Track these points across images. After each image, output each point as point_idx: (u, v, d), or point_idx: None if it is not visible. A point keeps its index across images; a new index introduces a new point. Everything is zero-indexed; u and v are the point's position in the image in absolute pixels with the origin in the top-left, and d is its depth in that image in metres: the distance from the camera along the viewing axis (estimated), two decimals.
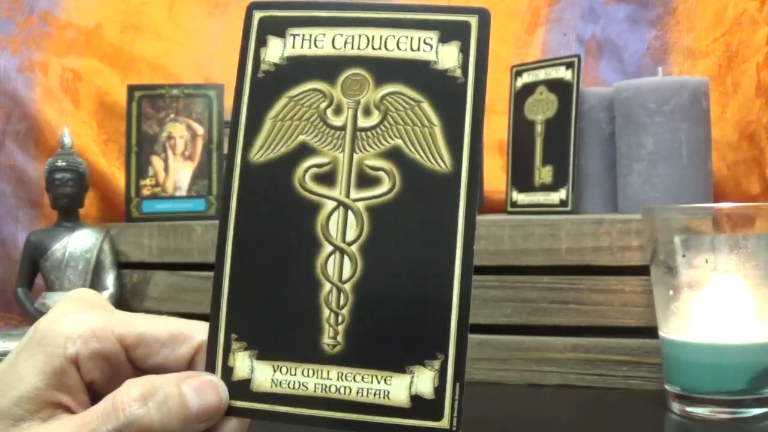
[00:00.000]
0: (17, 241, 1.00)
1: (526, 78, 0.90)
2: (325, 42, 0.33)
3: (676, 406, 0.65)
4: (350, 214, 0.32)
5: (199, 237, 0.88)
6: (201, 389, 0.32)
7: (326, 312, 0.32)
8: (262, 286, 0.33)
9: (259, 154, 0.33)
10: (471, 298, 0.31)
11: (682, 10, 0.96)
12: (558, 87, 0.87)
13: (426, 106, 0.33)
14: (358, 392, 0.32)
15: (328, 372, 0.32)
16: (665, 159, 0.80)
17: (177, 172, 0.99)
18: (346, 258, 0.32)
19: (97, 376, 0.34)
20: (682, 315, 0.64)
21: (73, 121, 1.05)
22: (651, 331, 0.68)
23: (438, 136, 0.32)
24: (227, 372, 0.33)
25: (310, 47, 0.34)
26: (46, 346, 0.33)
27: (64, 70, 1.08)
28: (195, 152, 0.99)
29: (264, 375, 0.33)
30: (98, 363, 0.34)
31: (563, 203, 0.84)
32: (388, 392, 0.32)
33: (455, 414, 0.31)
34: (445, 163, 0.32)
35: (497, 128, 0.96)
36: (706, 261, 0.63)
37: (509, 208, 0.90)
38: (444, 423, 0.31)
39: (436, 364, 0.31)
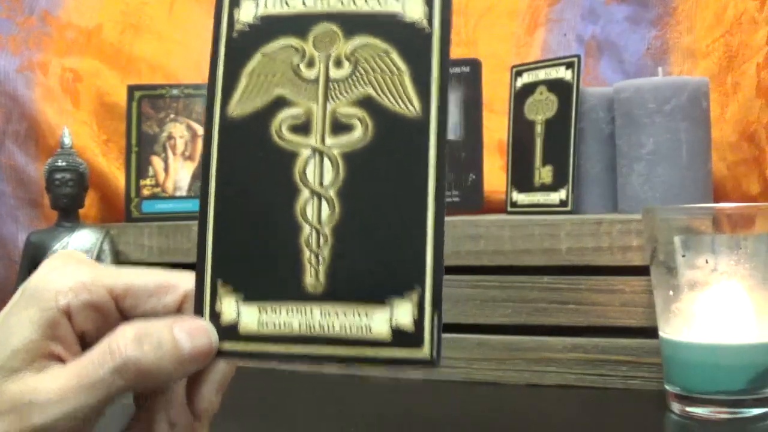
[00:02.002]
0: (17, 241, 1.00)
1: (526, 78, 0.90)
2: (295, 1, 0.35)
3: (676, 406, 0.65)
4: (326, 160, 0.34)
5: None
6: (192, 332, 0.33)
7: (307, 253, 0.34)
8: (245, 232, 0.34)
9: (237, 108, 0.35)
10: (444, 233, 0.33)
11: (682, 10, 0.96)
12: (558, 87, 0.87)
13: (394, 55, 0.34)
14: (341, 328, 0.33)
15: (311, 310, 0.34)
16: (665, 159, 0.80)
17: (177, 172, 0.99)
18: (323, 202, 0.34)
19: (88, 327, 0.35)
20: (682, 315, 0.64)
21: (73, 121, 1.05)
22: (651, 331, 0.68)
23: (406, 82, 0.34)
24: (215, 317, 0.34)
25: (281, 6, 0.35)
26: (39, 300, 0.34)
27: (64, 71, 1.07)
28: (195, 152, 0.99)
29: (250, 317, 0.34)
30: (89, 314, 0.35)
31: (563, 203, 0.84)
32: (370, 326, 0.33)
33: (435, 343, 0.33)
34: (414, 107, 0.33)
35: (497, 128, 0.96)
36: (706, 261, 0.63)
37: (509, 208, 0.90)
38: (425, 352, 0.33)
39: (414, 295, 0.33)
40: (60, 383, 0.33)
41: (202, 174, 0.35)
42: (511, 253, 0.76)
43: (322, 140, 0.34)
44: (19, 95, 1.04)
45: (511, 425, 0.68)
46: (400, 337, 0.33)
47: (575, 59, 0.86)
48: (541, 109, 0.88)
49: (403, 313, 0.33)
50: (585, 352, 0.74)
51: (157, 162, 0.99)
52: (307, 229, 0.34)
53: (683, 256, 0.64)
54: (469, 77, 0.91)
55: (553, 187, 0.86)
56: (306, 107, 0.34)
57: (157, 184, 0.98)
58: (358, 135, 0.34)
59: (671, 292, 0.64)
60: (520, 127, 0.90)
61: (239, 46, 0.35)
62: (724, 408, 0.62)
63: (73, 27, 1.09)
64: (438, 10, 0.34)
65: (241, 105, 0.35)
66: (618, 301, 0.73)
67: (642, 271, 0.70)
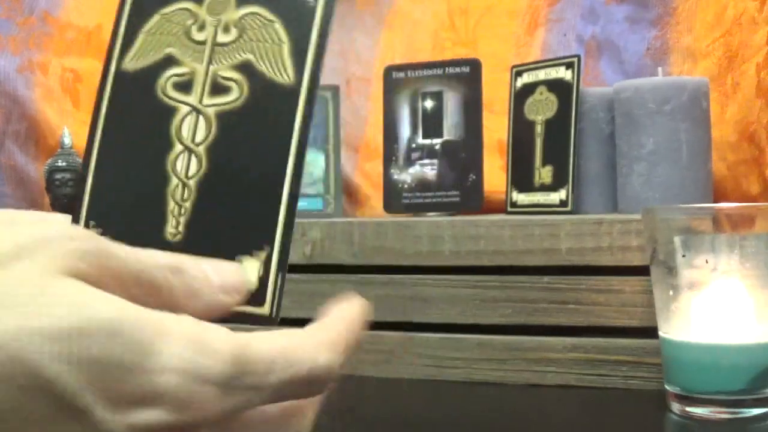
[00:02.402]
0: None
1: (526, 78, 0.90)
2: None
3: (676, 406, 0.65)
4: (201, 118, 0.36)
5: None
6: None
7: (171, 204, 0.35)
8: (120, 180, 0.36)
9: (131, 63, 0.37)
10: (298, 198, 0.35)
11: (682, 10, 0.96)
12: (558, 87, 0.87)
13: (278, 25, 0.36)
14: None
15: None
16: (665, 159, 0.80)
17: None
18: (193, 157, 0.35)
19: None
20: (682, 315, 0.64)
21: (73, 121, 1.05)
22: (651, 331, 0.68)
23: (285, 52, 0.36)
24: None
25: None
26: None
27: (64, 71, 1.08)
28: None
29: None
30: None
31: (563, 203, 0.84)
32: None
33: (275, 302, 0.34)
34: (288, 76, 0.35)
35: (497, 128, 0.96)
36: (706, 261, 0.63)
37: (509, 209, 0.90)
38: (265, 309, 0.34)
39: (262, 255, 0.34)
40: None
41: (91, 121, 0.37)
42: (511, 253, 0.76)
43: (200, 99, 0.36)
44: (19, 95, 1.04)
45: (511, 425, 0.68)
46: None
47: (575, 59, 0.86)
48: (541, 109, 0.88)
49: (250, 269, 0.34)
50: (585, 352, 0.74)
51: None
52: (174, 181, 0.35)
53: (683, 256, 0.64)
54: (469, 77, 0.91)
55: (553, 187, 0.86)
56: (191, 67, 0.36)
57: None
58: (233, 97, 0.36)
59: (671, 292, 0.64)
60: (520, 127, 0.90)
61: (141, 6, 0.37)
62: (724, 408, 0.62)
63: (73, 27, 1.09)
64: None
65: (135, 60, 0.37)
66: (618, 301, 0.73)
67: (642, 271, 0.70)
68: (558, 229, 0.75)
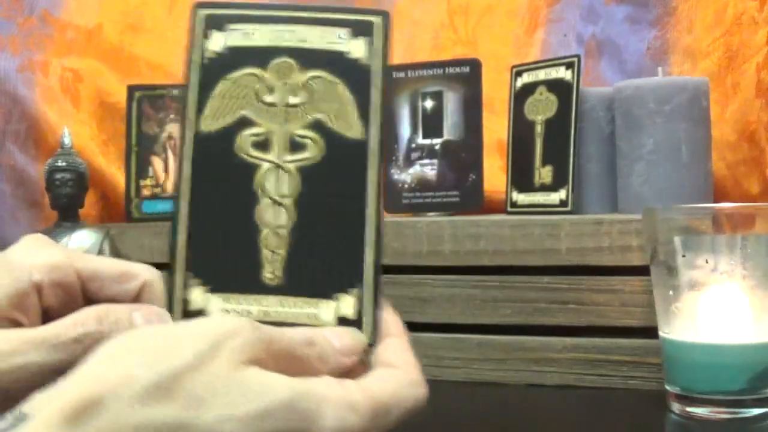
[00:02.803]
0: (17, 241, 1.00)
1: (526, 78, 0.90)
2: (257, 35, 0.41)
3: (676, 406, 0.65)
4: (282, 173, 0.40)
5: None
6: (147, 316, 0.39)
7: (265, 252, 0.39)
8: (213, 233, 0.40)
9: (208, 124, 0.40)
10: (383, 238, 0.39)
11: (682, 10, 0.96)
12: (558, 87, 0.87)
13: (341, 87, 0.40)
14: (294, 316, 0.39)
15: (268, 300, 0.39)
16: (665, 159, 0.80)
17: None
18: (281, 208, 0.39)
19: (53, 303, 0.40)
20: (682, 315, 0.64)
21: (73, 121, 1.05)
22: (651, 331, 0.68)
23: (352, 111, 0.40)
24: (184, 304, 0.39)
25: (246, 39, 0.41)
26: (13, 271, 0.39)
27: (64, 71, 1.08)
28: None
29: (216, 305, 0.39)
30: (57, 291, 0.40)
31: (563, 203, 0.84)
32: (318, 315, 0.39)
33: (372, 330, 0.39)
34: (357, 132, 0.40)
35: (497, 128, 0.96)
36: (706, 261, 0.63)
37: (509, 208, 0.90)
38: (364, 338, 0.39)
39: (356, 292, 0.39)
40: (23, 338, 0.37)
41: (175, 181, 0.40)
42: (511, 253, 0.76)
43: (281, 156, 0.40)
44: (19, 95, 1.04)
45: (511, 425, 0.68)
46: (344, 324, 0.39)
47: (575, 59, 0.86)
48: (541, 109, 0.88)
49: (346, 306, 0.39)
50: (585, 352, 0.74)
51: (157, 162, 0.99)
52: (265, 230, 0.39)
53: (683, 256, 0.64)
54: (469, 77, 0.91)
55: (553, 187, 0.86)
56: (267, 127, 0.40)
57: (157, 184, 0.98)
58: (311, 153, 0.40)
59: (671, 292, 0.64)
60: (520, 127, 0.90)
61: (209, 72, 0.41)
62: (724, 408, 0.62)
63: (73, 27, 1.09)
64: (378, 50, 0.40)
65: (211, 122, 0.40)
66: (618, 301, 0.73)
67: (642, 271, 0.70)
68: (558, 229, 0.75)
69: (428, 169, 0.91)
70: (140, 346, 0.32)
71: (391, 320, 0.39)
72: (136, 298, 0.41)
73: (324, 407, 0.33)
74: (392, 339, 0.38)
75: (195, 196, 0.40)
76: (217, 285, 0.39)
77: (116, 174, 1.06)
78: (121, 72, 1.10)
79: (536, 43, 1.03)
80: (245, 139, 0.40)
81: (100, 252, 0.91)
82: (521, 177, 0.89)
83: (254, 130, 0.40)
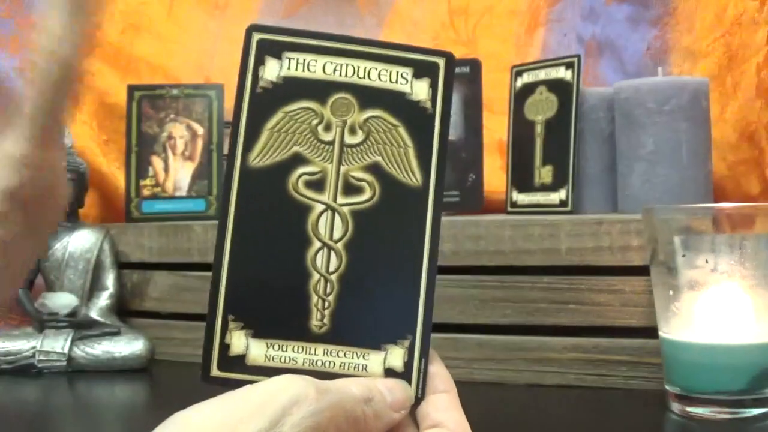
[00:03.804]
0: None
1: (526, 78, 0.90)
2: (317, 67, 0.39)
3: (676, 406, 0.65)
4: (337, 216, 0.38)
5: (199, 237, 0.88)
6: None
7: (315, 298, 0.38)
8: (258, 274, 0.38)
9: (257, 159, 0.38)
10: (435, 291, 0.38)
11: (682, 10, 0.96)
12: (558, 87, 0.87)
13: (402, 130, 0.39)
14: (340, 366, 0.38)
15: (315, 349, 0.38)
16: (665, 159, 0.80)
17: (177, 173, 0.99)
18: (332, 253, 0.38)
19: None
20: (682, 315, 0.64)
21: (73, 121, 1.05)
22: (651, 331, 0.68)
23: (411, 155, 0.38)
24: (224, 348, 0.38)
25: (303, 70, 0.39)
26: None
27: None
28: (195, 152, 0.99)
29: (258, 351, 0.38)
30: None
31: (563, 203, 0.84)
32: (366, 366, 0.37)
33: (420, 384, 0.38)
34: (416, 178, 0.38)
35: (497, 128, 0.96)
36: (706, 261, 0.63)
37: (509, 208, 0.90)
38: (411, 392, 0.38)
39: (406, 343, 0.38)
40: None
41: (219, 217, 0.38)
42: (511, 253, 0.76)
43: (335, 198, 0.38)
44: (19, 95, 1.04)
45: (511, 425, 0.68)
46: (391, 377, 0.38)
47: (575, 59, 0.86)
48: (541, 109, 0.88)
49: (395, 357, 0.38)
50: (585, 352, 0.74)
51: (157, 162, 0.99)
52: (316, 276, 0.38)
53: (683, 256, 0.64)
54: (469, 77, 0.91)
55: (553, 187, 0.86)
56: (322, 167, 0.38)
57: (157, 184, 0.98)
58: (366, 197, 0.38)
59: (671, 292, 0.64)
60: (520, 127, 0.90)
61: (262, 102, 0.38)
62: (724, 408, 0.62)
63: None
64: (440, 93, 0.39)
65: (261, 157, 0.38)
66: (618, 301, 0.73)
67: (642, 271, 0.70)
68: (558, 229, 0.75)
69: None
70: (204, 425, 0.32)
71: (440, 374, 0.38)
72: None
73: None
74: (441, 395, 0.38)
75: (239, 234, 0.38)
76: (261, 330, 0.38)
77: (116, 174, 1.06)
78: (121, 72, 1.10)
79: (536, 43, 1.03)
80: (298, 177, 0.38)
81: (100, 251, 0.91)
82: (521, 177, 0.89)
83: (308, 168, 0.38)
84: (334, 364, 0.38)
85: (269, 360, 0.37)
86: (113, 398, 0.80)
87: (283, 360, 0.37)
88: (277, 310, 0.38)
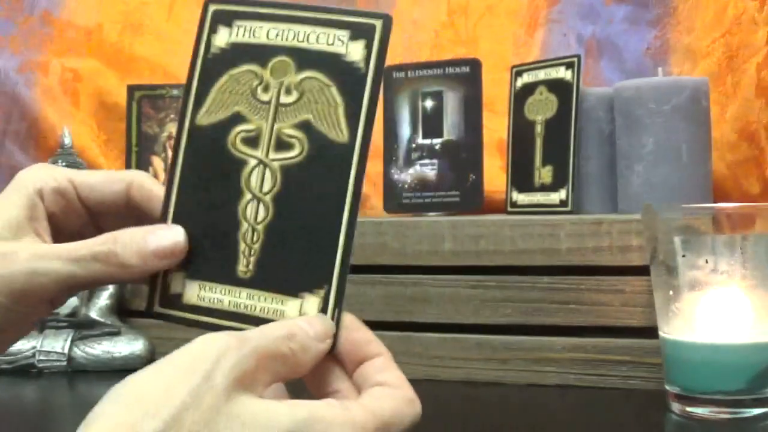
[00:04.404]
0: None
1: (526, 78, 0.90)
2: (261, 33, 0.42)
3: (676, 406, 0.65)
4: (267, 170, 0.40)
5: None
6: (160, 235, 0.41)
7: (242, 245, 0.40)
8: (197, 222, 0.41)
9: (204, 117, 0.42)
10: (353, 244, 0.39)
11: (682, 10, 0.96)
12: (558, 87, 0.87)
13: (333, 89, 0.40)
14: (261, 310, 0.40)
15: (240, 292, 0.40)
16: (665, 159, 0.80)
17: None
18: (261, 204, 0.40)
19: (55, 209, 0.43)
20: (682, 315, 0.64)
21: (73, 121, 1.05)
22: (651, 331, 0.68)
23: (340, 113, 0.40)
24: (165, 287, 0.41)
25: (249, 37, 0.42)
26: (20, 187, 0.43)
27: (64, 70, 1.08)
28: None
29: (192, 291, 0.41)
30: (56, 197, 0.43)
31: (563, 203, 0.84)
32: (284, 311, 0.40)
33: (335, 334, 0.39)
34: (343, 134, 0.40)
35: (497, 128, 0.96)
36: (706, 261, 0.63)
37: (509, 208, 0.90)
38: None
39: (321, 293, 0.39)
40: (46, 247, 0.41)
41: (168, 170, 0.42)
42: (511, 253, 0.76)
43: (267, 153, 0.41)
44: (19, 95, 1.04)
45: (511, 425, 0.68)
46: None
47: (575, 59, 0.86)
48: (541, 109, 0.88)
49: (310, 305, 0.39)
50: (585, 351, 0.74)
51: (157, 162, 0.99)
52: (245, 225, 0.40)
53: (683, 256, 0.64)
54: (469, 77, 0.91)
55: (553, 187, 0.86)
56: (258, 124, 0.41)
57: None
58: (295, 152, 0.40)
59: (671, 292, 0.64)
60: (520, 127, 0.90)
61: (213, 66, 0.42)
62: (724, 408, 0.62)
63: (73, 27, 1.09)
64: (374, 54, 0.40)
65: (207, 116, 0.42)
66: (618, 301, 0.73)
67: (642, 271, 0.70)
68: (558, 229, 0.75)
69: (428, 169, 0.91)
70: (141, 393, 0.33)
71: (370, 339, 0.39)
72: (128, 198, 0.44)
73: (331, 430, 0.35)
74: (378, 358, 0.39)
75: (184, 185, 0.41)
76: (195, 272, 0.41)
77: None
78: (121, 72, 1.10)
79: (536, 43, 1.03)
80: (236, 134, 0.41)
81: None
82: (521, 177, 0.89)
83: (246, 126, 0.41)
84: (255, 307, 0.40)
85: (200, 300, 0.41)
86: None
87: (211, 301, 0.41)
88: (210, 255, 0.41)
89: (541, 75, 0.88)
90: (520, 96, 0.90)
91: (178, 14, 1.15)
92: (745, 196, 0.87)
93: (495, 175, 0.95)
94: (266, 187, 0.40)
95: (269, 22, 0.42)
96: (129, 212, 0.44)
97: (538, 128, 0.88)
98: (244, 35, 0.42)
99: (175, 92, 1.00)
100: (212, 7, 0.42)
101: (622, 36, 0.99)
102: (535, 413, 0.70)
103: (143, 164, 0.98)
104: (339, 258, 0.39)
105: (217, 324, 0.40)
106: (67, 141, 0.92)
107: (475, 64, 0.91)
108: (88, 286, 0.42)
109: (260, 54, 0.41)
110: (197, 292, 0.41)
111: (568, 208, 0.84)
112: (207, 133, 0.41)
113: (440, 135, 0.91)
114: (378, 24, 0.41)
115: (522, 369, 0.76)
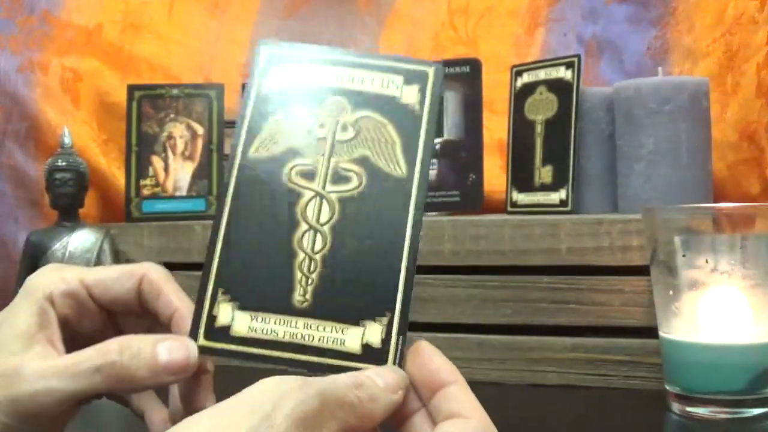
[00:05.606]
0: (17, 241, 1.00)
1: (526, 78, 0.90)
2: (314, 75, 0.43)
3: (676, 406, 0.65)
4: (324, 202, 0.41)
5: (199, 237, 0.88)
6: (171, 347, 0.39)
7: (299, 275, 0.40)
8: (249, 252, 0.41)
9: (257, 151, 0.42)
10: (415, 272, 0.40)
11: (682, 10, 0.96)
12: (558, 87, 0.87)
13: (390, 128, 0.42)
14: (319, 339, 0.39)
15: (296, 322, 0.40)
16: (665, 159, 0.80)
17: (177, 172, 0.99)
18: (318, 235, 0.41)
19: (68, 312, 0.42)
20: (682, 315, 0.64)
21: (73, 121, 1.05)
22: (651, 331, 0.68)
23: (398, 150, 0.41)
24: (211, 319, 0.40)
25: (303, 79, 0.43)
26: (29, 294, 0.42)
27: (64, 70, 1.07)
28: (195, 152, 0.99)
29: (242, 322, 0.40)
30: (67, 300, 0.42)
31: (563, 203, 0.84)
32: (344, 340, 0.39)
33: (396, 361, 0.39)
34: (401, 170, 0.41)
35: (497, 128, 0.96)
36: (706, 261, 0.63)
37: (509, 208, 0.90)
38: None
39: (384, 320, 0.39)
40: (48, 364, 0.39)
41: (219, 197, 0.44)
42: (511, 253, 0.76)
43: (324, 186, 0.41)
44: (19, 95, 1.04)
45: (511, 425, 0.68)
46: (368, 352, 0.39)
47: (575, 59, 0.86)
48: (541, 109, 0.88)
49: (373, 333, 0.39)
50: (585, 351, 0.74)
51: (157, 162, 0.99)
52: (301, 255, 0.40)
53: (683, 256, 0.64)
54: (469, 77, 0.91)
55: (553, 187, 0.86)
56: (314, 159, 0.42)
57: (157, 184, 0.98)
58: (353, 185, 0.41)
59: (671, 292, 0.64)
60: (520, 127, 0.90)
61: (266, 103, 0.43)
62: (724, 408, 0.62)
63: (73, 27, 1.09)
64: (428, 98, 0.42)
65: (260, 150, 0.42)
66: (618, 301, 0.73)
67: (642, 271, 0.70)
68: (558, 229, 0.75)
69: None
70: None
71: (444, 367, 0.39)
72: (140, 294, 0.43)
73: None
74: (450, 387, 0.38)
75: (235, 215, 0.41)
76: (246, 302, 0.40)
77: (116, 174, 1.06)
78: (121, 72, 1.10)
79: (536, 43, 1.03)
80: (293, 167, 0.41)
81: (100, 251, 0.91)
82: (521, 177, 0.89)
83: (302, 160, 0.42)
84: (313, 337, 0.39)
85: (252, 331, 0.40)
86: None
87: (265, 332, 0.40)
88: (263, 284, 0.40)
89: (541, 75, 0.88)
90: (520, 96, 0.90)
91: (179, 14, 1.15)
92: (745, 196, 0.87)
93: (495, 175, 0.95)
94: (324, 217, 0.41)
95: (322, 65, 0.43)
96: (144, 312, 0.43)
97: (538, 128, 0.88)
98: (297, 77, 0.43)
99: (174, 92, 1.00)
100: (265, 50, 0.44)
101: (622, 36, 0.99)
102: (536, 413, 0.70)
103: (143, 164, 0.98)
104: (402, 284, 0.40)
105: (273, 356, 0.39)
106: (67, 141, 0.92)
107: (475, 64, 0.91)
108: (98, 398, 0.40)
109: (314, 94, 0.43)
110: (248, 323, 0.40)
111: (568, 208, 0.84)
112: (260, 166, 0.42)
113: (440, 135, 0.91)
114: (430, 71, 0.43)
115: (522, 369, 0.76)
